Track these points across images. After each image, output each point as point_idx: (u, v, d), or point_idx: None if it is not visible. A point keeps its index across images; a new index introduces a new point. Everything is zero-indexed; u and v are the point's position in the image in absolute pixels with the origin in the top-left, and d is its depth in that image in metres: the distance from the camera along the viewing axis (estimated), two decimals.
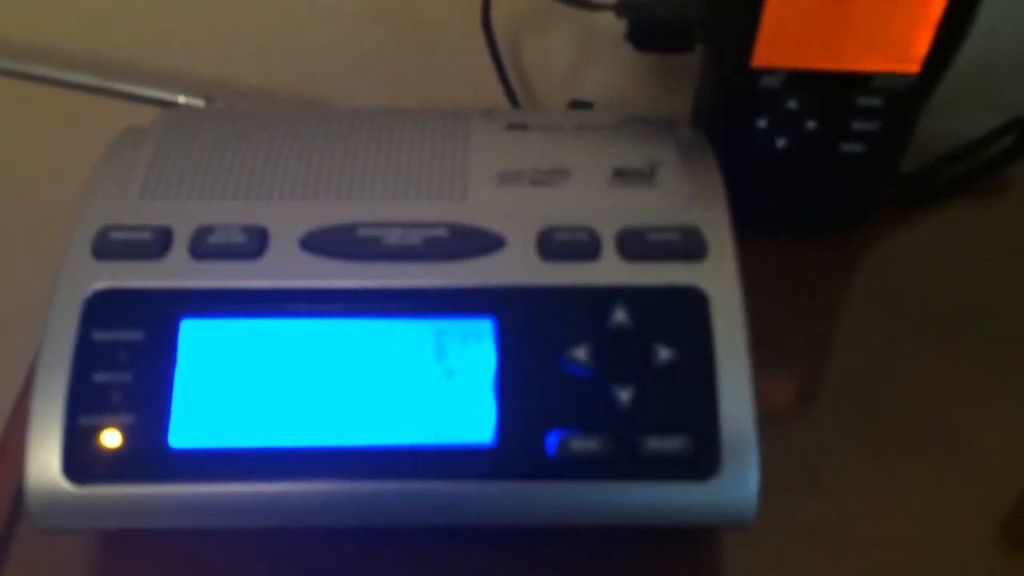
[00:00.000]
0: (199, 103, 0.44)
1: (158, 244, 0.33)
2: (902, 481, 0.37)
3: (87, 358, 0.32)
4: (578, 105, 0.47)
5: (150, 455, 0.31)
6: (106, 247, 0.33)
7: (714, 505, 0.31)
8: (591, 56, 0.50)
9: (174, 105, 0.44)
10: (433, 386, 0.32)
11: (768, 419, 0.32)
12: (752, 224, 0.36)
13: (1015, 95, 0.51)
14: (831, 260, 0.46)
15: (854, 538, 0.36)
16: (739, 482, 0.31)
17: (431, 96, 0.52)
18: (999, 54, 0.49)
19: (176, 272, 0.33)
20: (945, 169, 0.49)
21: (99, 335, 0.32)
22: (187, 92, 0.45)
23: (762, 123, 0.40)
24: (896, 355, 0.42)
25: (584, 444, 0.31)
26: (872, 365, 0.41)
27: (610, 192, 0.35)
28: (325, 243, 0.34)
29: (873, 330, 0.43)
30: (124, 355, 0.32)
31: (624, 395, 0.31)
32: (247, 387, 0.32)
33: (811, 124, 0.40)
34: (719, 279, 0.33)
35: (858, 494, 0.37)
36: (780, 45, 0.37)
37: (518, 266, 0.33)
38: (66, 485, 0.31)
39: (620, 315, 0.32)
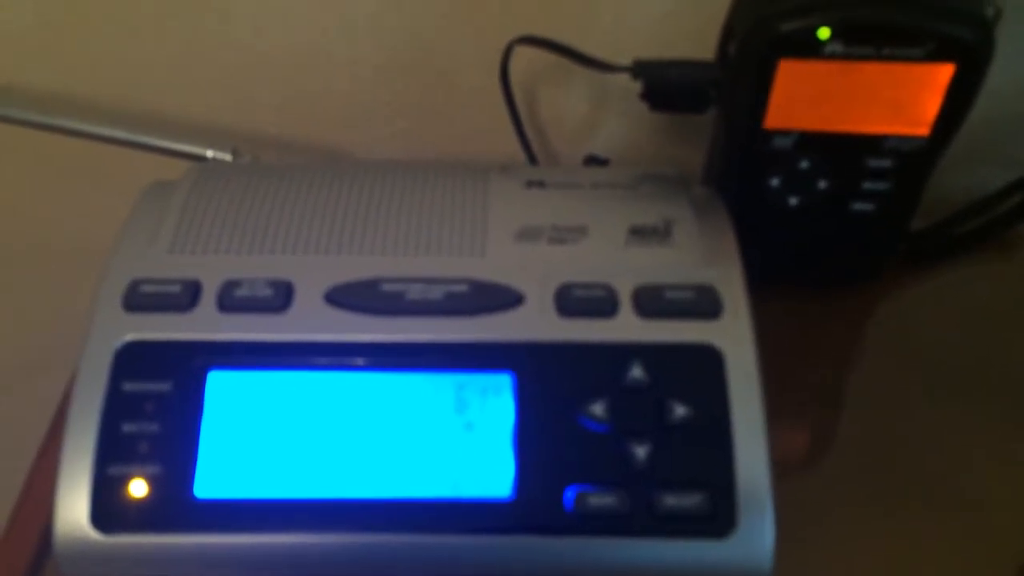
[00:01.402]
0: (226, 156, 0.45)
1: (187, 297, 0.34)
2: (915, 536, 0.37)
3: (116, 409, 0.32)
4: (594, 161, 0.48)
5: (176, 505, 0.32)
6: (136, 300, 0.34)
7: (730, 562, 0.31)
8: (606, 111, 0.51)
9: (202, 158, 0.45)
10: (453, 439, 0.33)
11: (781, 471, 0.32)
12: (765, 280, 0.37)
13: None
14: (845, 314, 0.46)
15: None
16: (755, 539, 0.31)
17: (448, 146, 0.53)
18: (1008, 112, 0.50)
19: (204, 325, 0.34)
20: (957, 225, 0.49)
21: (128, 386, 0.33)
22: (213, 144, 0.46)
23: (774, 182, 0.41)
24: (909, 409, 0.42)
25: (601, 500, 0.31)
26: (885, 419, 0.41)
27: (627, 250, 0.36)
28: (349, 297, 0.35)
29: (886, 384, 0.43)
30: (152, 406, 0.32)
31: (640, 451, 0.32)
32: (272, 438, 0.32)
33: (822, 183, 0.41)
34: (734, 337, 0.34)
35: (871, 549, 0.37)
36: (791, 108, 0.38)
37: (536, 322, 0.34)
38: (94, 534, 0.31)
39: (636, 371, 0.33)
